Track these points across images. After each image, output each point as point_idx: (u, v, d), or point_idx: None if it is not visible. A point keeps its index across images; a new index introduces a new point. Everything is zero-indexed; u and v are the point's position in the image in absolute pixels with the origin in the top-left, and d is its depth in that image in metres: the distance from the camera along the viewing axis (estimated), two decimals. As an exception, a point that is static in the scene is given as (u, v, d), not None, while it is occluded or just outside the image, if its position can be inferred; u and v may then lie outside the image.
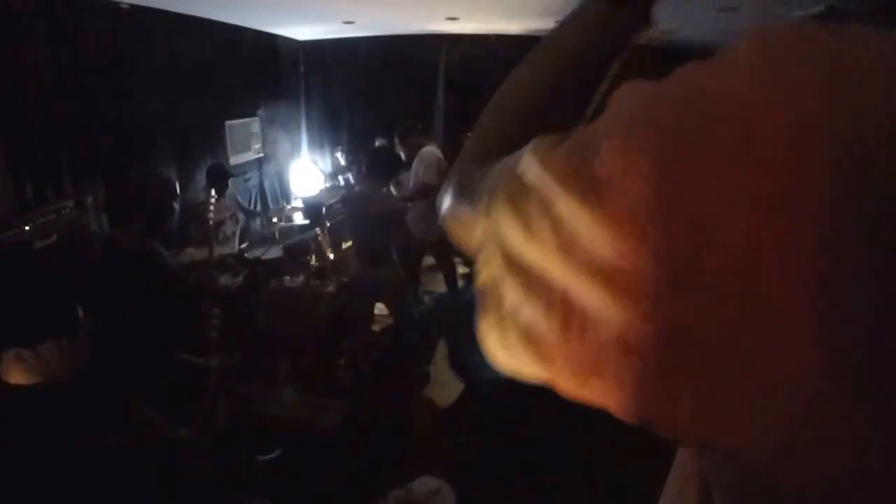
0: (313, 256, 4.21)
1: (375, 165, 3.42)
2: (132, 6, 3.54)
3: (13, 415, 0.80)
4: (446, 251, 4.27)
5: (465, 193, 0.42)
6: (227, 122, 4.98)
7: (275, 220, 4.50)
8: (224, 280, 3.47)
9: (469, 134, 0.57)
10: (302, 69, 6.30)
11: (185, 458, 0.87)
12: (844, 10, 3.73)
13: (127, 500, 0.76)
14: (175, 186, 1.97)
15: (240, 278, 3.56)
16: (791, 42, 0.24)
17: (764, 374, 0.22)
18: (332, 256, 4.20)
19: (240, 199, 4.49)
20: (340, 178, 5.76)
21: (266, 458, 2.66)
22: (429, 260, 4.42)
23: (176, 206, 1.96)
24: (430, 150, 4.16)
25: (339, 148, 6.13)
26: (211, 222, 3.12)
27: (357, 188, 4.43)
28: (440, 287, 4.54)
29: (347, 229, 3.91)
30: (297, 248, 3.93)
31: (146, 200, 1.86)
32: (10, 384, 0.80)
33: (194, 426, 1.42)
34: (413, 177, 4.07)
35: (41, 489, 0.76)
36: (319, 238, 4.32)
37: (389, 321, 3.84)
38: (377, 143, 5.29)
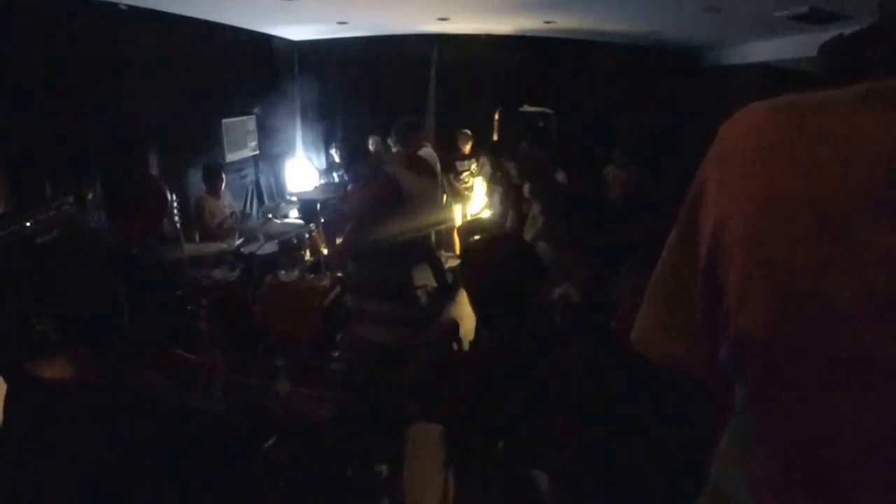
0: (308, 251, 4.31)
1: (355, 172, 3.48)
2: (130, 7, 3.62)
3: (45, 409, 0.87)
4: (432, 247, 4.36)
5: None
6: (224, 121, 5.08)
7: (270, 216, 4.60)
8: (220, 274, 3.56)
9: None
10: (297, 68, 6.38)
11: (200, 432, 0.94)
12: (826, 11, 3.77)
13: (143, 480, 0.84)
14: (166, 193, 2.06)
15: (236, 273, 3.65)
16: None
17: None
18: (325, 252, 4.29)
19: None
20: (335, 174, 5.86)
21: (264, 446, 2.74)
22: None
23: (164, 218, 2.04)
24: (427, 152, 4.24)
25: (334, 145, 6.22)
26: (178, 225, 3.22)
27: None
28: (430, 281, 4.63)
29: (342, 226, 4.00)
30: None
31: (137, 205, 1.95)
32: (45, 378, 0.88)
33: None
34: None
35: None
36: (314, 234, 4.42)
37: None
38: (370, 143, 5.40)
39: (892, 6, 0.59)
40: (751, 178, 0.50)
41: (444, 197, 4.94)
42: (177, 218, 3.28)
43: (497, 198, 4.61)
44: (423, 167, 3.15)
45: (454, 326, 2.30)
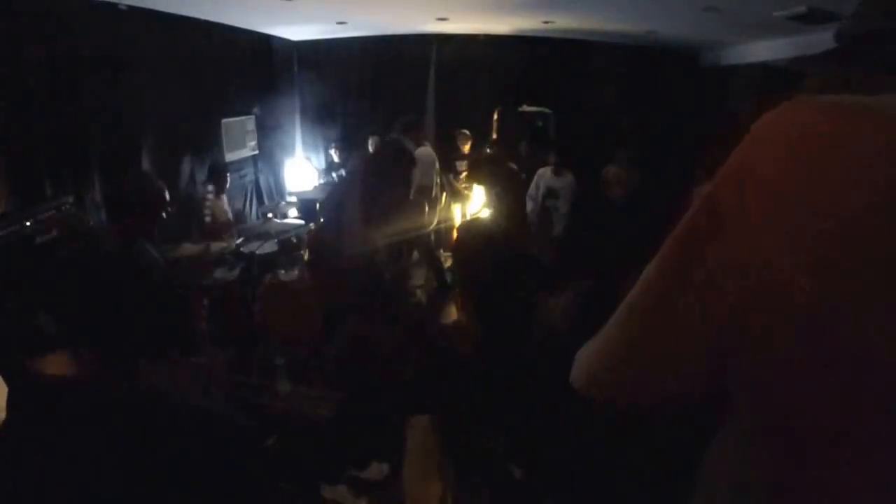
0: (307, 251, 4.32)
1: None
2: (130, 7, 3.63)
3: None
4: (431, 247, 4.37)
5: None
6: (224, 120, 5.08)
7: (269, 215, 4.60)
8: (220, 274, 3.56)
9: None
10: (296, 68, 6.40)
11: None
12: (824, 11, 3.78)
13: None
14: (164, 193, 2.06)
15: (236, 272, 3.65)
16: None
17: None
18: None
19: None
20: (334, 174, 5.87)
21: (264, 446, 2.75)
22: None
23: (163, 213, 2.05)
24: (427, 151, 4.23)
25: (333, 145, 6.22)
26: (207, 219, 3.21)
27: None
28: (429, 280, 4.64)
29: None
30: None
31: (135, 205, 1.95)
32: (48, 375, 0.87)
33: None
34: None
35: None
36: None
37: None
38: (370, 143, 5.40)
39: (848, 32, 0.60)
40: (760, 181, 0.50)
41: (444, 196, 4.95)
42: (207, 217, 3.26)
43: (496, 197, 4.61)
44: (392, 158, 3.05)
45: (444, 326, 2.30)
